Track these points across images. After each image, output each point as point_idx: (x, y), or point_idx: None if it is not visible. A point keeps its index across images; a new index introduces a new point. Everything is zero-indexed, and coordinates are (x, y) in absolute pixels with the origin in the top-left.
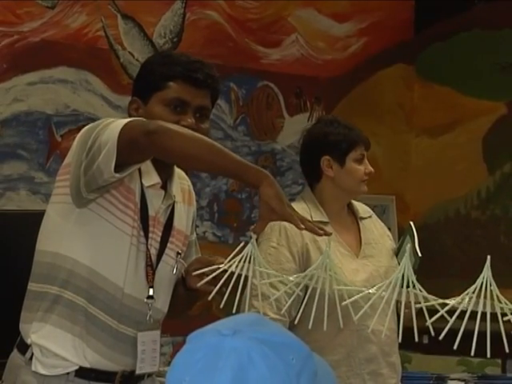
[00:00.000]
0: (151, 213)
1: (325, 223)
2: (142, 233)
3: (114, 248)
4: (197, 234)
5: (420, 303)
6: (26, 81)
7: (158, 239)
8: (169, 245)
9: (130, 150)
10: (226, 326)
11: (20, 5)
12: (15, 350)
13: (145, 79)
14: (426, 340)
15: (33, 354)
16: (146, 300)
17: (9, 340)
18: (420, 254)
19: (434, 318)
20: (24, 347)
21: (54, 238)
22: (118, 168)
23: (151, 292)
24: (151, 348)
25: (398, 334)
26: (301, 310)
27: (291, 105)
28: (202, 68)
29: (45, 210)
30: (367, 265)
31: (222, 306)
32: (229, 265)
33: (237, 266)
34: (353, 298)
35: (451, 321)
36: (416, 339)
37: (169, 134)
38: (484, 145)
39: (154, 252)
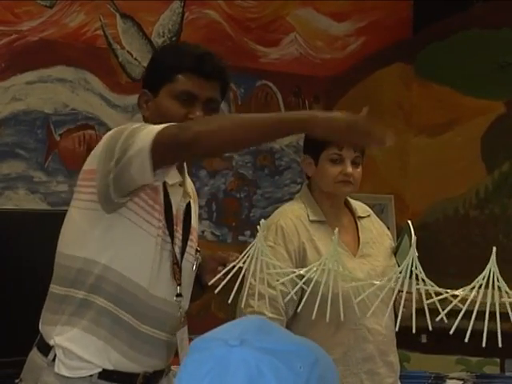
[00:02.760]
0: (174, 211)
1: (321, 222)
2: (166, 232)
3: (141, 251)
4: None
5: (429, 296)
6: (24, 80)
7: (181, 237)
8: (189, 242)
9: (164, 160)
10: (232, 335)
11: (19, 4)
12: (35, 350)
13: (154, 71)
14: (424, 339)
15: (55, 356)
16: (175, 298)
17: (6, 338)
18: (417, 254)
19: (446, 310)
20: (46, 348)
21: (81, 243)
22: (155, 169)
23: (179, 290)
24: (181, 346)
25: (396, 325)
26: (299, 308)
27: (290, 104)
28: (211, 60)
29: (43, 210)
30: (364, 264)
31: (230, 301)
32: (242, 261)
33: (250, 263)
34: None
35: (462, 310)
36: (428, 320)
37: (206, 137)
38: (482, 144)
39: (177, 250)
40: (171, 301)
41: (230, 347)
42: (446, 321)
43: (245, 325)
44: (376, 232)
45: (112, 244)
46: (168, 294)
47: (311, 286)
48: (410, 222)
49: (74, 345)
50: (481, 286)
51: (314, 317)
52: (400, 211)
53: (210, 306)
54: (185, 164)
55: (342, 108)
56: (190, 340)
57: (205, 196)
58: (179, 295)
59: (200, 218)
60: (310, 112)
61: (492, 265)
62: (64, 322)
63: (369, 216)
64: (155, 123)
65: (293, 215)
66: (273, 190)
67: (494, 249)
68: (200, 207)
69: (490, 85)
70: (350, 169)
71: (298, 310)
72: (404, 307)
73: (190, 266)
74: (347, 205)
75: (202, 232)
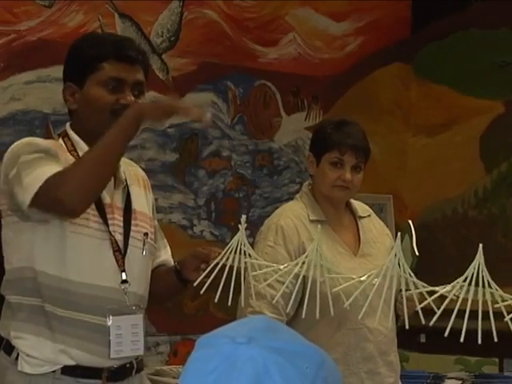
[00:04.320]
0: (106, 200)
1: (322, 222)
2: (101, 220)
3: (61, 245)
4: (194, 233)
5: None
6: (23, 80)
7: (121, 224)
8: (133, 228)
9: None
10: (239, 333)
11: (17, 4)
12: (1, 352)
13: (75, 63)
14: (423, 339)
15: (18, 354)
16: (120, 285)
17: None
18: (417, 254)
19: (442, 308)
20: (9, 348)
21: (15, 255)
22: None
23: (124, 276)
24: (130, 332)
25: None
26: (302, 307)
27: (288, 104)
28: (133, 45)
29: None
30: (365, 263)
31: (216, 300)
32: (225, 258)
33: (233, 259)
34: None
35: (455, 309)
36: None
37: (75, 191)
38: (481, 144)
39: (119, 237)
40: (119, 288)
41: (237, 344)
42: (437, 310)
43: (253, 324)
44: (376, 232)
45: (33, 247)
46: (115, 282)
47: (308, 284)
48: (410, 222)
49: (32, 350)
50: (468, 279)
51: (303, 316)
52: (399, 211)
53: (209, 306)
54: None
55: (340, 108)
56: (189, 339)
57: (204, 196)
58: (124, 281)
59: (199, 217)
60: (134, 106)
61: (479, 259)
62: (14, 327)
63: (369, 216)
64: (85, 115)
65: (293, 215)
66: (271, 190)
67: (481, 245)
68: (199, 207)
69: (488, 84)
70: (348, 175)
71: (303, 312)
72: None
73: (138, 251)
74: (347, 205)
75: (201, 232)
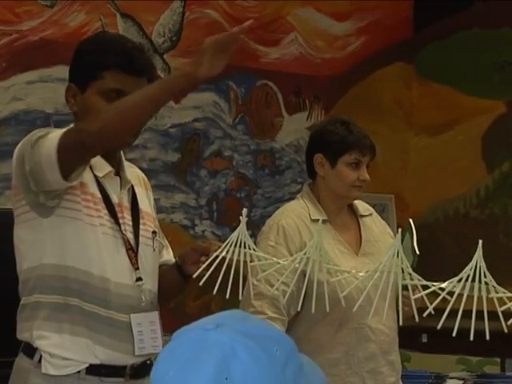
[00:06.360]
0: (115, 200)
1: (324, 221)
2: (112, 220)
3: (89, 242)
4: (195, 233)
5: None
6: (25, 79)
7: (130, 223)
8: (141, 227)
9: (74, 165)
10: (208, 321)
11: (19, 4)
12: (21, 354)
13: (80, 67)
14: (425, 339)
15: (41, 357)
16: (135, 282)
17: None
18: (418, 252)
19: (434, 303)
20: (31, 351)
21: (34, 252)
22: (67, 174)
23: (139, 274)
24: (149, 329)
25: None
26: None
27: (290, 103)
28: (139, 56)
29: None
30: (366, 262)
31: (215, 292)
32: (225, 251)
33: (233, 252)
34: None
35: (452, 300)
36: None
37: (108, 131)
38: (483, 144)
39: (130, 236)
40: (135, 286)
41: (205, 330)
42: (432, 312)
43: (224, 314)
44: (378, 231)
45: (60, 243)
46: (131, 280)
47: (309, 288)
48: (411, 221)
49: (57, 349)
50: (468, 277)
51: (313, 310)
52: (400, 211)
53: (211, 305)
54: (122, 153)
55: (342, 107)
56: None
57: (205, 196)
58: (139, 279)
59: (200, 217)
60: (186, 69)
61: (478, 257)
62: (37, 327)
63: (370, 215)
64: (84, 119)
65: (294, 215)
66: (273, 190)
67: (480, 241)
68: (201, 207)
69: (490, 84)
70: (367, 175)
71: (298, 308)
72: (406, 306)
73: (148, 249)
74: (349, 204)
75: (203, 232)
